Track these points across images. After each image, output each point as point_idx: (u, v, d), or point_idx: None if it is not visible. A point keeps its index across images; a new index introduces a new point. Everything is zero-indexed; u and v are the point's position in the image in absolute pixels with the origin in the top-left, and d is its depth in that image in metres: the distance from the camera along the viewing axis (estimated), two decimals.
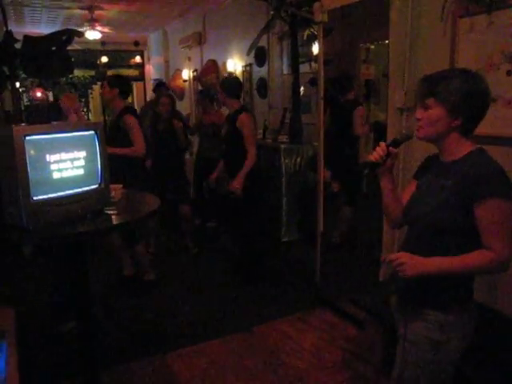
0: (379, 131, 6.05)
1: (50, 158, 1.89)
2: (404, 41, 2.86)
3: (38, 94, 4.83)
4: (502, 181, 1.44)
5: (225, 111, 5.22)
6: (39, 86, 4.99)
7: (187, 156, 6.25)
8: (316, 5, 3.38)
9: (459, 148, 1.54)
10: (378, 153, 1.65)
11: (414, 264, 1.49)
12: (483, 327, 1.74)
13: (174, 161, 4.85)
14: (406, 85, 2.89)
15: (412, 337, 1.66)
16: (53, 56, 4.87)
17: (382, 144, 1.66)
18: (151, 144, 4.75)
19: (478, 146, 1.55)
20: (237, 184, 3.82)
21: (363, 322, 3.09)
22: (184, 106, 8.49)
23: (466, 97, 1.46)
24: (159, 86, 6.63)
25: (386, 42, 3.34)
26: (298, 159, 5.02)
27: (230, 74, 7.27)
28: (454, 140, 1.53)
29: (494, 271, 1.55)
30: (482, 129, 1.57)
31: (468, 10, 2.46)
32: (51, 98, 8.53)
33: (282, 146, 5.02)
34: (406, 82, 2.89)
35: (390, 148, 1.65)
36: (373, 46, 6.69)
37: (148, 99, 9.62)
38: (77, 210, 1.96)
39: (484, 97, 1.50)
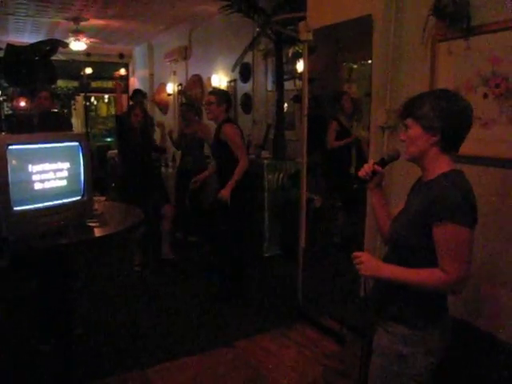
0: (360, 149, 6.17)
1: (32, 168, 1.88)
2: (386, 61, 2.93)
3: (22, 104, 4.78)
4: (459, 206, 1.46)
5: (210, 124, 5.27)
6: (22, 95, 4.95)
7: (170, 170, 6.27)
8: (301, 24, 3.46)
9: (437, 167, 1.56)
10: (365, 170, 1.72)
11: (370, 265, 1.57)
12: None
13: (149, 168, 4.81)
14: (388, 104, 2.95)
15: (378, 349, 1.71)
16: (36, 65, 4.85)
17: (371, 161, 1.73)
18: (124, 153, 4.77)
19: (456, 168, 1.57)
20: (225, 192, 3.74)
21: (344, 338, 3.10)
22: (168, 120, 8.49)
23: (440, 113, 1.50)
24: (136, 93, 6.67)
25: (369, 61, 3.41)
26: (281, 175, 5.07)
27: (215, 88, 7.32)
28: (433, 157, 1.56)
29: (443, 290, 1.57)
30: (460, 149, 1.61)
31: (446, 35, 2.54)
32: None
33: (265, 162, 5.06)
34: (388, 101, 2.95)
35: (376, 166, 1.70)
36: (355, 66, 6.82)
37: None
38: (59, 221, 1.95)
39: (461, 114, 1.53)
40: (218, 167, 4.06)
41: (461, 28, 2.44)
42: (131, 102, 6.42)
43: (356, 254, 1.61)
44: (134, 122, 4.59)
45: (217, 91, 4.36)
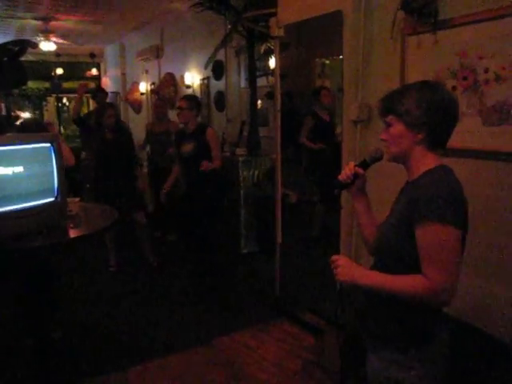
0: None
1: (3, 170, 1.84)
2: (357, 56, 2.97)
3: None
4: (444, 203, 1.30)
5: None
6: None
7: (144, 169, 6.22)
8: (272, 20, 3.47)
9: (422, 165, 1.43)
10: (345, 173, 1.57)
11: (348, 270, 1.44)
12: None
13: (123, 172, 4.70)
14: (360, 98, 2.99)
15: (371, 375, 1.57)
16: (5, 67, 4.73)
17: (351, 163, 1.59)
18: (99, 156, 4.70)
19: (441, 163, 1.44)
20: (208, 165, 3.82)
21: (322, 331, 3.13)
22: (141, 120, 8.42)
23: (424, 108, 1.37)
24: (97, 91, 6.58)
25: (341, 57, 3.45)
26: (256, 172, 5.08)
27: (189, 86, 7.29)
28: (418, 156, 1.43)
29: (427, 299, 1.34)
30: None
31: (415, 29, 2.59)
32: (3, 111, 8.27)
33: (240, 159, 5.06)
34: (360, 95, 3.00)
35: (356, 168, 1.57)
36: (328, 61, 6.88)
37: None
38: (32, 223, 1.92)
39: (446, 105, 1.40)
40: (190, 165, 4.08)
41: (429, 22, 2.48)
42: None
43: (333, 257, 1.49)
44: (107, 123, 4.49)
45: (188, 96, 4.56)
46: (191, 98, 4.27)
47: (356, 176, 1.57)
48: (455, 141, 2.42)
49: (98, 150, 4.68)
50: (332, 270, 1.48)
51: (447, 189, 1.34)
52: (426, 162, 1.43)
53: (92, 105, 12.25)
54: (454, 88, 2.43)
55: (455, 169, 1.46)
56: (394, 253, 1.44)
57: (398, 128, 1.42)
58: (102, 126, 4.53)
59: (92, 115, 6.13)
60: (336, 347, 2.81)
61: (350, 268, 1.45)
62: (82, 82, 7.01)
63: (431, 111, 1.37)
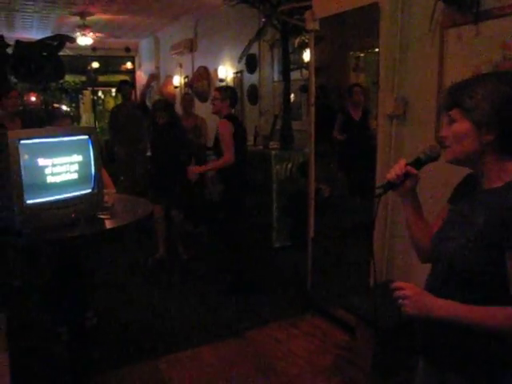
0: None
1: (43, 162, 1.90)
2: (393, 50, 2.91)
3: (33, 99, 4.80)
4: None
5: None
6: (33, 90, 4.98)
7: None
8: (307, 13, 3.44)
9: (501, 172, 1.21)
10: (395, 171, 1.37)
11: (418, 301, 1.22)
12: None
13: (176, 166, 4.79)
14: (396, 92, 2.94)
15: None
16: (44, 61, 4.88)
17: (402, 161, 1.38)
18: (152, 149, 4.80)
19: None
20: (195, 169, 4.00)
21: (354, 328, 3.11)
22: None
23: (496, 104, 1.16)
24: (122, 84, 6.44)
25: (376, 50, 3.39)
26: (289, 165, 5.07)
27: (222, 80, 7.31)
28: (491, 162, 1.21)
29: None
30: None
31: (455, 21, 2.52)
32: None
33: (273, 152, 5.06)
34: (396, 89, 2.94)
35: (409, 167, 1.36)
36: (362, 54, 6.77)
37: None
38: (70, 214, 1.97)
39: None
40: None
41: (470, 13, 2.41)
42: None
43: (399, 284, 1.28)
44: (158, 120, 4.61)
45: (222, 87, 4.54)
46: (224, 89, 4.23)
47: (407, 176, 1.37)
48: None
49: (154, 142, 4.80)
50: (395, 298, 1.27)
51: None
52: (506, 166, 1.21)
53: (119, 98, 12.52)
54: None
55: None
56: (472, 271, 1.21)
57: (462, 125, 1.21)
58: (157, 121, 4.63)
59: (120, 109, 6.24)
60: (368, 345, 2.79)
61: (423, 300, 1.23)
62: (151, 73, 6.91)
63: (506, 109, 1.15)
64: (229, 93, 4.06)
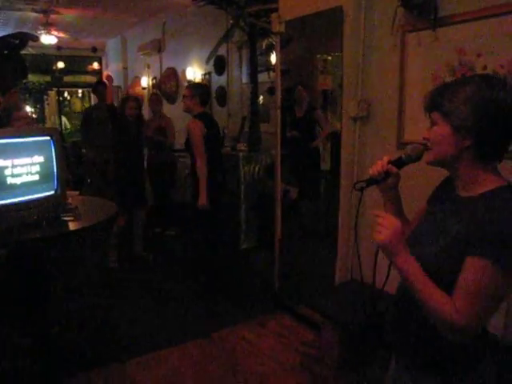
0: (336, 141, 6.26)
1: (3, 163, 1.86)
2: (357, 52, 2.98)
3: None
4: (507, 247, 1.10)
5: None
6: None
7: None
8: (273, 15, 3.48)
9: (478, 180, 1.21)
10: (376, 168, 1.39)
11: (391, 237, 1.22)
12: None
13: (137, 167, 4.79)
14: (359, 95, 3.00)
15: None
16: (5, 60, 4.74)
17: (385, 158, 1.40)
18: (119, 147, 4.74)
19: (504, 181, 1.21)
20: (201, 201, 3.72)
21: (320, 326, 3.16)
22: (144, 115, 8.41)
23: (475, 109, 1.14)
24: (98, 84, 6.26)
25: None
26: (257, 167, 5.10)
27: (190, 81, 7.29)
28: (468, 168, 1.21)
29: (443, 326, 1.19)
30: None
31: (415, 26, 2.60)
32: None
33: (241, 154, 5.08)
34: (359, 92, 3.01)
35: (389, 166, 1.38)
36: (330, 57, 6.87)
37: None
38: (32, 216, 1.94)
39: (504, 109, 1.14)
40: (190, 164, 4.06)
41: (428, 19, 2.50)
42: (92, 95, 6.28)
43: (381, 213, 1.28)
44: (128, 115, 4.56)
45: (192, 84, 4.56)
46: (193, 86, 4.18)
47: (388, 173, 1.39)
48: None
49: (120, 141, 4.70)
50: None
51: None
52: (480, 175, 1.20)
53: (93, 99, 12.29)
54: None
55: None
56: (440, 276, 1.20)
57: (442, 129, 1.21)
58: (123, 118, 4.57)
59: (95, 110, 6.14)
60: (334, 342, 2.84)
61: (396, 237, 1.21)
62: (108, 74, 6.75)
63: (483, 113, 1.14)
64: (199, 90, 3.97)
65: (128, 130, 4.61)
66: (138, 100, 4.86)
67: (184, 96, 3.95)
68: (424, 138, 1.28)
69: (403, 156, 1.39)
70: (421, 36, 2.60)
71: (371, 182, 1.42)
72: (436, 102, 1.22)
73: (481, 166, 1.19)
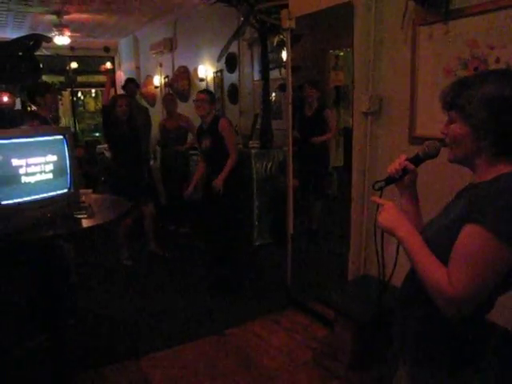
0: (349, 137, 6.22)
1: (17, 162, 1.89)
2: (367, 47, 2.96)
3: (5, 99, 4.72)
4: (505, 211, 1.10)
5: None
6: (5, 90, 4.89)
7: (151, 162, 6.28)
8: (283, 12, 3.47)
9: (491, 169, 1.22)
10: (394, 166, 1.41)
11: (391, 216, 1.30)
12: None
13: (136, 164, 4.79)
14: (371, 90, 2.98)
15: None
16: (20, 61, 4.81)
17: (402, 156, 1.42)
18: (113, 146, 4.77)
19: None
20: (218, 181, 3.96)
21: (332, 322, 3.15)
22: (155, 113, 8.47)
23: (494, 110, 1.14)
24: (127, 82, 6.28)
25: None
26: (269, 164, 5.10)
27: (202, 80, 7.31)
28: (485, 161, 1.23)
29: (439, 300, 1.18)
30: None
31: (426, 19, 2.57)
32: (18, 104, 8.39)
33: (253, 151, 5.08)
34: (371, 87, 2.99)
35: (407, 163, 1.40)
36: (342, 53, 6.83)
37: None
38: (46, 214, 1.97)
39: None
40: (210, 159, 4.17)
41: (440, 12, 2.47)
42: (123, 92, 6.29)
43: (379, 200, 1.37)
44: (119, 113, 4.57)
45: (208, 91, 4.63)
46: (210, 92, 4.37)
47: (406, 171, 1.41)
48: None
49: (113, 140, 4.74)
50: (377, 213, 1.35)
51: None
52: (495, 167, 1.22)
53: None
54: None
55: None
56: (439, 252, 1.21)
57: (460, 128, 1.22)
58: (117, 116, 4.59)
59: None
60: (347, 338, 2.84)
61: (395, 215, 1.30)
62: (107, 74, 6.74)
63: (501, 115, 1.14)
64: (212, 95, 4.24)
65: (119, 128, 4.60)
66: (127, 99, 4.83)
67: (203, 100, 4.03)
68: (442, 133, 1.29)
69: (420, 153, 1.40)
70: (432, 29, 2.57)
71: (390, 180, 1.44)
72: (455, 102, 1.22)
73: (497, 160, 1.21)
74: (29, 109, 7.74)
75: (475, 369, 1.27)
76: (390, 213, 1.31)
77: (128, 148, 4.65)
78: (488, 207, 1.12)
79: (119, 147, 4.70)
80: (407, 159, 1.41)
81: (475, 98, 1.16)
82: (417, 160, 1.42)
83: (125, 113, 4.58)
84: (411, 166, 1.41)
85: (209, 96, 4.12)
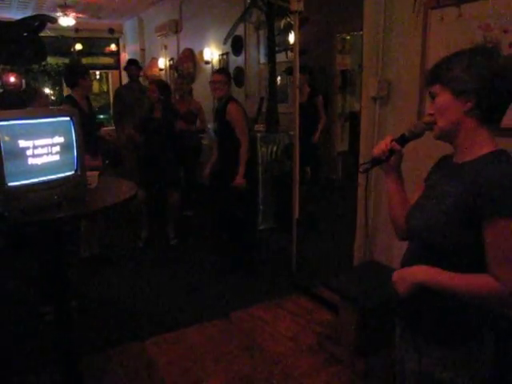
0: (354, 121, 6.19)
1: (24, 143, 1.87)
2: (377, 31, 2.91)
3: (12, 79, 4.69)
4: None
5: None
6: (12, 70, 4.86)
7: None
8: None
9: (476, 144, 1.27)
10: (380, 147, 1.44)
11: (402, 278, 1.33)
12: None
13: (169, 150, 4.77)
14: (380, 74, 2.95)
15: (411, 376, 1.45)
16: (25, 42, 4.78)
17: (388, 137, 1.45)
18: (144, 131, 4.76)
19: (498, 147, 1.28)
20: (239, 180, 3.85)
21: (337, 306, 3.16)
22: None
23: (473, 73, 1.23)
24: (129, 63, 6.23)
25: (362, 32, 3.39)
26: (275, 148, 5.08)
27: (208, 62, 7.25)
28: (469, 131, 1.27)
29: (499, 301, 1.24)
30: None
31: (439, 2, 2.53)
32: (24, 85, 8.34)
33: (259, 135, 5.06)
34: (380, 71, 2.95)
35: (393, 143, 1.43)
36: (349, 37, 6.75)
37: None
38: (52, 196, 1.95)
39: (500, 72, 1.22)
40: (220, 145, 4.09)
41: None
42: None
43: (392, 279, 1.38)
44: (152, 98, 4.59)
45: (223, 69, 4.57)
46: (226, 71, 4.25)
47: (392, 152, 1.44)
48: None
49: (143, 124, 4.72)
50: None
51: None
52: (478, 140, 1.27)
53: (111, 80, 12.30)
54: None
55: None
56: (447, 244, 1.26)
57: (444, 97, 1.28)
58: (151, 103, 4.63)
59: (125, 89, 6.12)
60: (351, 323, 2.85)
61: (405, 276, 1.33)
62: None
63: (481, 76, 1.22)
64: (229, 75, 4.10)
65: (153, 112, 4.65)
66: (159, 84, 4.79)
67: (220, 82, 3.88)
68: (429, 114, 1.34)
69: (406, 133, 1.43)
70: (444, 12, 2.52)
71: (375, 162, 1.46)
72: (436, 74, 1.31)
73: (481, 130, 1.27)
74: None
75: (479, 342, 1.33)
76: (399, 277, 1.34)
77: (159, 133, 4.62)
78: (502, 196, 1.15)
79: (149, 132, 4.65)
80: (393, 140, 1.43)
81: (455, 66, 1.26)
82: (403, 140, 1.43)
83: (156, 98, 4.58)
84: (397, 147, 1.43)
85: (226, 77, 3.98)
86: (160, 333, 3.14)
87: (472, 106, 1.24)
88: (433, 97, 1.32)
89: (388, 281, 1.39)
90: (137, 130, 4.73)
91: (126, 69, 6.28)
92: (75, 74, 3.89)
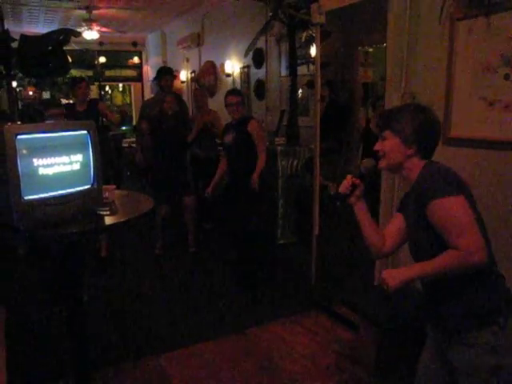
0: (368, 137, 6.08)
1: (41, 157, 1.86)
2: (401, 44, 2.85)
3: (30, 93, 4.77)
4: (443, 181, 1.50)
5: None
6: (32, 84, 4.94)
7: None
8: (313, 6, 3.37)
9: (415, 170, 1.63)
10: (344, 185, 1.76)
11: (392, 275, 1.53)
12: None
13: (179, 156, 4.85)
14: (403, 87, 2.87)
15: (464, 368, 1.57)
16: (50, 55, 4.85)
17: (348, 177, 1.77)
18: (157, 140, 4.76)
19: (428, 161, 1.63)
20: (255, 179, 3.89)
21: (357, 325, 3.07)
22: None
23: (418, 126, 1.60)
24: (164, 73, 5.42)
25: (385, 45, 3.32)
26: (295, 161, 5.02)
27: (229, 75, 7.27)
28: (410, 165, 1.64)
29: (471, 266, 1.44)
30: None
31: (466, 13, 2.45)
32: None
33: (279, 148, 5.01)
34: (403, 84, 2.88)
35: (353, 179, 1.74)
36: (371, 49, 6.69)
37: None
38: (69, 210, 1.93)
39: (434, 127, 1.65)
40: (230, 155, 4.09)
41: (482, 5, 2.34)
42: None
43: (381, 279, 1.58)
44: (166, 109, 4.66)
45: (238, 91, 4.59)
46: (239, 92, 4.33)
47: (355, 186, 1.74)
48: (508, 133, 2.31)
49: (156, 133, 4.78)
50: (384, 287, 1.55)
51: (441, 172, 1.55)
52: (418, 166, 1.62)
53: (133, 92, 12.46)
54: (506, 76, 2.28)
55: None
56: (429, 249, 1.55)
57: (393, 142, 1.64)
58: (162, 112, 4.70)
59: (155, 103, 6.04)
60: (372, 343, 2.75)
61: (393, 273, 1.55)
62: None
63: (421, 129, 1.60)
64: (242, 94, 4.21)
65: (164, 122, 4.70)
66: (176, 94, 4.86)
67: (237, 103, 3.93)
68: (376, 150, 1.68)
69: (362, 170, 1.88)
70: (472, 24, 2.44)
71: (342, 197, 1.77)
72: (387, 123, 1.66)
73: (418, 162, 1.63)
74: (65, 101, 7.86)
75: (503, 322, 1.51)
76: (389, 274, 1.54)
77: (171, 141, 4.69)
78: (430, 186, 1.52)
79: (160, 141, 4.73)
80: (353, 177, 1.76)
81: (402, 119, 1.62)
82: (360, 175, 1.78)
83: (172, 108, 4.67)
84: (358, 181, 1.74)
85: (241, 97, 4.07)
86: (176, 347, 3.09)
87: (414, 150, 1.62)
88: (383, 139, 1.66)
89: (409, 299, 1.68)
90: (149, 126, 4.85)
91: (156, 79, 5.52)
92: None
